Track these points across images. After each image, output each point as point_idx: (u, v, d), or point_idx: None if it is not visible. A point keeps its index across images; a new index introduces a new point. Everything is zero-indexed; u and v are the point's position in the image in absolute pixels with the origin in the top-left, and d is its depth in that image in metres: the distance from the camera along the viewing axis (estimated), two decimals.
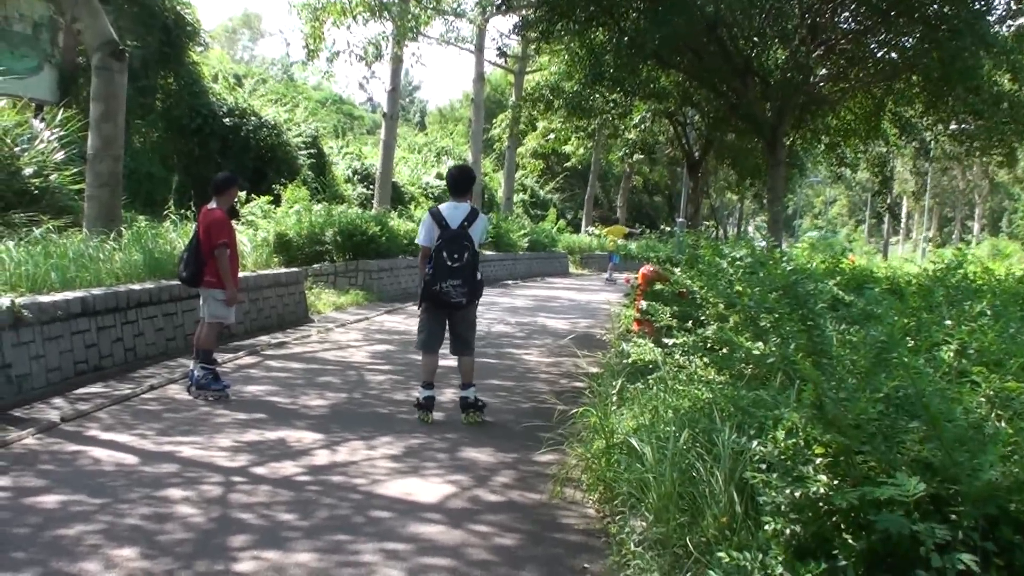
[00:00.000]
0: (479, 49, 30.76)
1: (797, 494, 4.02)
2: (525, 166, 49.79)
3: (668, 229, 57.74)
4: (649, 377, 7.60)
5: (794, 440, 4.17)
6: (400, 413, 8.81)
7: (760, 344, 5.22)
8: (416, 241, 8.92)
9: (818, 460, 4.03)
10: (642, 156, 20.51)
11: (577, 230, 46.26)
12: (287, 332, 13.70)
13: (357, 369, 11.11)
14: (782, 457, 4.26)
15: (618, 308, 20.62)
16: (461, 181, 8.77)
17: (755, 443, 4.55)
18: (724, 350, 7.06)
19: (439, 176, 38.40)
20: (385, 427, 8.18)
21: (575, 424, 7.88)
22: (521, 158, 45.76)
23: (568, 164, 49.22)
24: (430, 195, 35.02)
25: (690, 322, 8.07)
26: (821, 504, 3.96)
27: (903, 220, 64.32)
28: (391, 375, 10.84)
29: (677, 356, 7.55)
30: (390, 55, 21.86)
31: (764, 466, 4.55)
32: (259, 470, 6.66)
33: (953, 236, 64.18)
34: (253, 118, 25.82)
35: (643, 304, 8.27)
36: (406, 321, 16.20)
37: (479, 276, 8.56)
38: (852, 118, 14.91)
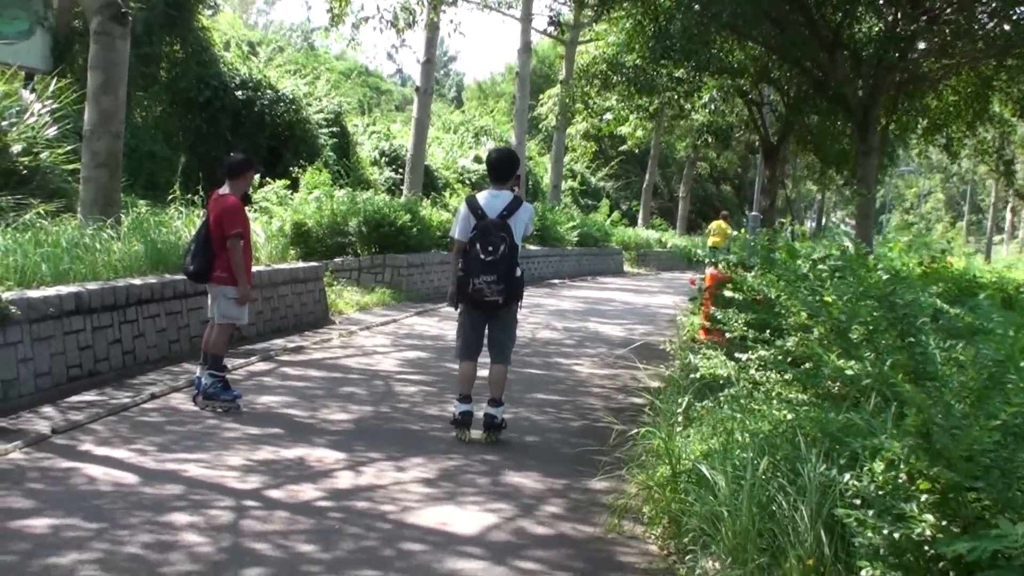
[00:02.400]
0: (526, 17, 30.70)
1: (897, 535, 3.95)
2: (575, 149, 49.68)
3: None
4: (720, 394, 7.52)
5: (894, 473, 4.10)
6: (433, 430, 8.79)
7: (852, 362, 5.11)
8: (450, 234, 8.88)
9: (923, 497, 3.94)
10: (712, 140, 20.25)
11: (633, 223, 46.04)
12: (305, 335, 13.73)
13: (384, 379, 11.11)
14: (880, 492, 4.18)
15: (680, 314, 20.55)
16: (502, 165, 8.72)
17: (847, 475, 4.48)
18: (808, 366, 6.97)
19: (477, 159, 38.36)
20: (416, 446, 8.16)
21: (634, 447, 7.83)
22: (571, 140, 45.68)
23: (623, 148, 48.93)
24: (467, 181, 35.00)
25: (767, 332, 7.99)
26: (927, 548, 3.88)
27: (1008, 218, 63.53)
28: (423, 386, 10.83)
29: (752, 371, 7.47)
30: (425, 22, 21.80)
31: (858, 502, 4.48)
32: (274, 493, 6.65)
33: None
34: (269, 91, 25.93)
35: (713, 311, 8.18)
36: (439, 324, 16.19)
37: (519, 272, 8.48)
38: (956, 99, 14.70)
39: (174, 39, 25.65)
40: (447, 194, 28.48)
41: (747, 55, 14.47)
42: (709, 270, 13.42)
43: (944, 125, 15.21)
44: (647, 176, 46.99)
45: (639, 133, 42.84)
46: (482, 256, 8.26)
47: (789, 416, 5.60)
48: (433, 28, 22.89)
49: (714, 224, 30.67)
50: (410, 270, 19.88)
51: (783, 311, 7.77)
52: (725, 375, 7.49)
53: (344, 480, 7.08)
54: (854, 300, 5.54)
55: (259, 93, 25.79)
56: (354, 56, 63.67)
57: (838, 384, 6.15)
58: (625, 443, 8.14)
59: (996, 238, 76.76)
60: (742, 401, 7.16)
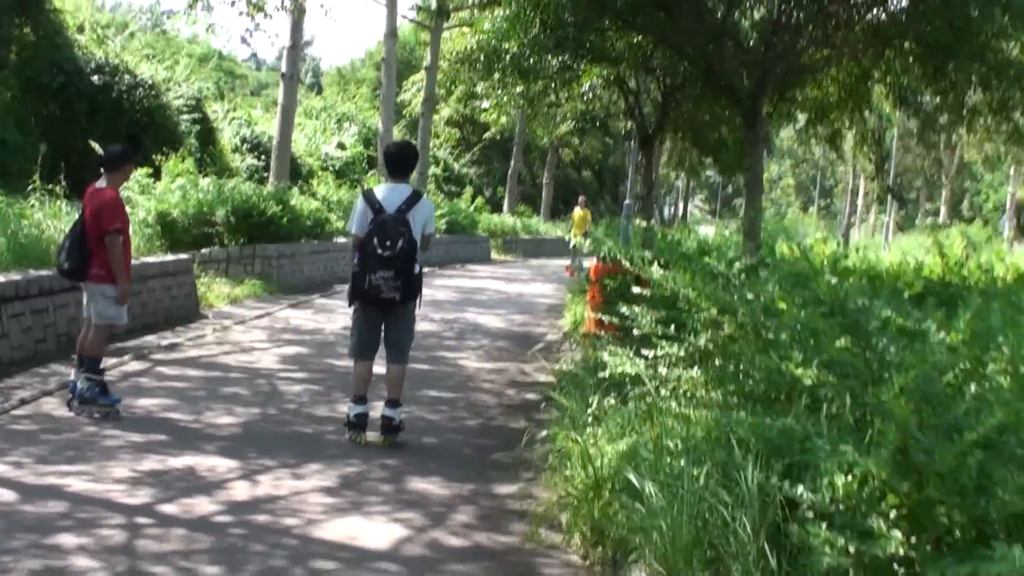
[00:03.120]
0: (392, 2, 30.16)
1: (863, 553, 3.77)
2: (438, 135, 49.32)
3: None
4: (628, 393, 7.32)
5: (857, 487, 3.91)
6: (327, 433, 8.42)
7: (811, 370, 4.92)
8: (347, 228, 8.50)
9: (892, 513, 3.76)
10: (588, 128, 20.11)
11: (497, 209, 45.88)
12: (177, 331, 13.15)
13: (267, 377, 10.67)
14: (842, 507, 4.00)
15: (557, 301, 20.46)
16: (401, 159, 8.44)
17: (800, 488, 4.29)
18: (719, 363, 6.81)
19: (340, 146, 37.81)
20: (312, 451, 7.77)
21: (536, 447, 7.60)
22: (434, 127, 45.32)
23: (487, 135, 48.74)
24: (331, 168, 34.36)
25: (671, 327, 7.82)
26: (897, 567, 3.70)
27: (860, 202, 65.20)
28: (308, 384, 10.43)
29: (661, 369, 7.29)
30: (291, 3, 21.20)
31: (810, 515, 4.30)
32: (168, 508, 6.21)
33: (917, 219, 65.33)
34: (127, 76, 24.93)
35: (621, 307, 7.96)
36: (315, 317, 15.75)
37: (418, 269, 8.19)
38: (836, 89, 14.82)
39: (24, 21, 24.51)
40: (314, 182, 27.94)
41: (627, 43, 14.33)
42: (592, 261, 13.29)
43: (825, 116, 15.32)
44: (512, 163, 46.89)
45: (502, 120, 42.67)
46: (379, 251, 7.91)
47: (719, 420, 5.40)
48: (300, 11, 22.27)
49: (577, 213, 30.67)
50: (281, 261, 19.35)
51: (690, 308, 7.61)
52: (633, 373, 7.28)
53: (240, 491, 6.67)
54: (809, 311, 5.33)
55: (116, 78, 24.77)
56: (207, 40, 62.01)
57: (764, 386, 5.98)
58: (524, 442, 7.95)
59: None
60: (651, 400, 7.00)
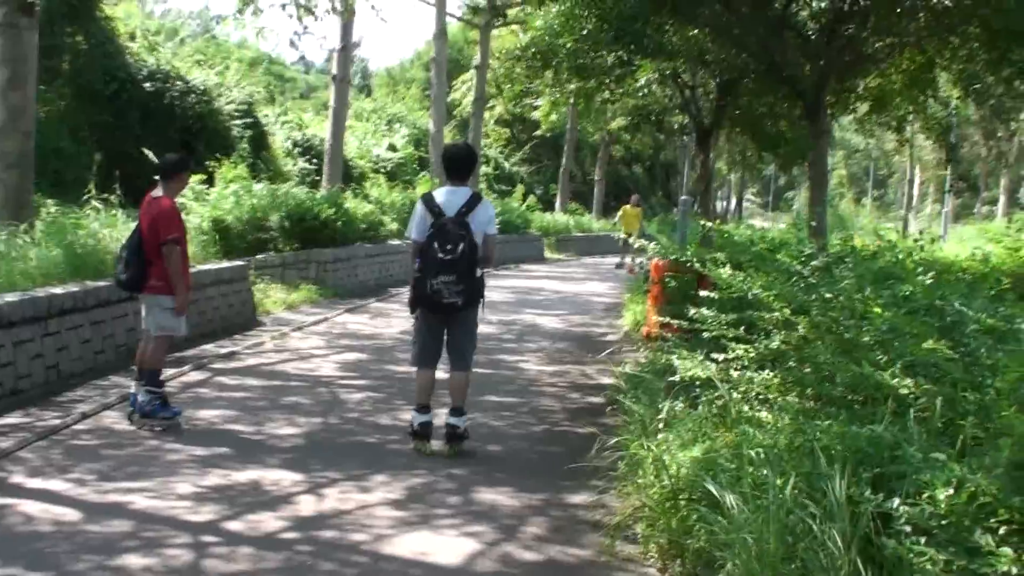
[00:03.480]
0: (441, 2, 30.05)
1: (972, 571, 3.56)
2: (488, 135, 49.18)
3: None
4: (700, 398, 7.11)
5: (963, 502, 3.69)
6: (390, 443, 8.27)
7: (908, 380, 4.70)
8: (406, 235, 8.33)
9: (1002, 529, 3.55)
10: (644, 124, 19.86)
11: (549, 208, 45.66)
12: (235, 339, 13.07)
13: (327, 385, 10.55)
14: (944, 522, 3.79)
15: (613, 300, 20.24)
16: (460, 161, 8.26)
17: (896, 502, 4.07)
18: (799, 366, 6.58)
19: (392, 148, 37.75)
20: (376, 462, 7.63)
21: (606, 454, 7.40)
22: (484, 126, 45.17)
23: (537, 133, 48.51)
24: (382, 170, 34.32)
25: (741, 328, 7.60)
26: None
27: (915, 191, 64.32)
28: (369, 392, 10.29)
29: (733, 372, 7.08)
30: (341, 5, 21.09)
31: (908, 529, 4.09)
32: (233, 525, 6.09)
33: (975, 210, 64.23)
34: (179, 82, 25.04)
35: (690, 309, 7.76)
36: (372, 322, 15.65)
37: (480, 273, 8.03)
38: (900, 77, 14.50)
39: (76, 29, 24.64)
40: (367, 185, 27.87)
41: (682, 37, 14.09)
42: (655, 259, 13.05)
43: (889, 103, 14.99)
44: (564, 160, 46.59)
45: (553, 117, 42.45)
46: (440, 255, 7.75)
47: (802, 428, 5.17)
48: (350, 12, 22.15)
49: (628, 209, 30.40)
50: (336, 265, 19.26)
51: (761, 309, 7.38)
52: (704, 377, 7.07)
53: (306, 506, 6.54)
54: (899, 314, 5.10)
55: (168, 84, 24.88)
56: (256, 44, 62.39)
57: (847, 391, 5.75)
58: (594, 449, 7.77)
59: (899, 213, 77.75)
60: (723, 404, 6.79)
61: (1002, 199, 54.21)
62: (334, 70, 24.59)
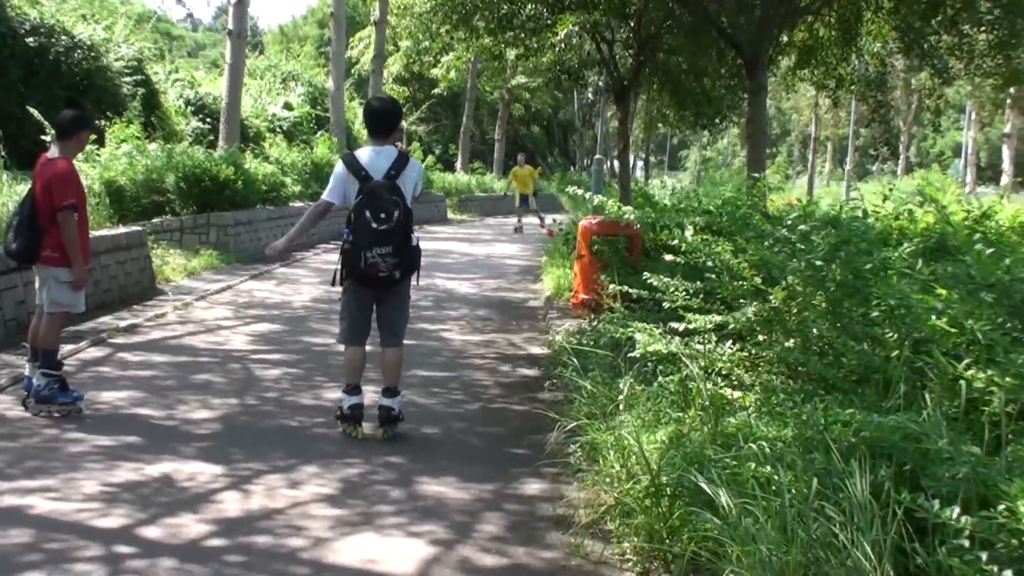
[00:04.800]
0: None
1: None
2: (393, 96, 48.14)
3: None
4: (656, 374, 6.54)
5: None
6: (316, 426, 7.55)
7: (979, 372, 4.10)
8: (323, 196, 7.56)
9: None
10: (567, 82, 19.09)
11: (448, 168, 44.89)
12: (134, 310, 12.16)
13: (240, 361, 9.75)
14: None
15: (527, 263, 19.65)
16: (385, 117, 7.49)
17: (956, 511, 3.50)
18: (791, 344, 6.00)
19: (287, 106, 36.52)
20: (303, 450, 6.90)
21: (552, 435, 6.79)
22: (383, 84, 44.14)
23: (435, 91, 47.61)
24: (279, 129, 33.15)
25: (697, 297, 7.03)
26: None
27: (811, 153, 64.73)
28: (286, 368, 9.52)
29: (697, 346, 6.50)
30: None
31: (967, 543, 3.53)
32: (150, 531, 5.32)
33: (875, 167, 64.98)
34: (64, 38, 23.59)
35: (647, 276, 7.14)
36: (279, 289, 14.82)
37: (415, 241, 7.34)
38: (827, 32, 14.04)
39: None
40: (265, 144, 26.84)
41: None
42: (583, 222, 12.46)
43: (816, 56, 14.53)
44: (464, 119, 45.79)
45: (452, 75, 41.57)
46: (374, 225, 7.02)
47: (810, 415, 4.58)
48: None
49: (517, 171, 30.29)
50: (237, 228, 18.33)
51: (725, 276, 6.80)
52: (666, 352, 6.48)
53: (231, 505, 5.78)
54: (965, 290, 4.49)
55: (53, 40, 23.41)
56: (140, 1, 60.14)
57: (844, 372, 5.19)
58: (535, 429, 7.20)
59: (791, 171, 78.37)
60: (686, 383, 6.22)
61: (901, 156, 54.76)
62: (230, 25, 23.44)
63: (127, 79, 25.49)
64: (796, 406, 4.83)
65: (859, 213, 6.56)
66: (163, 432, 7.20)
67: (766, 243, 6.19)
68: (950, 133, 73.68)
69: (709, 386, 5.97)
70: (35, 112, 16.17)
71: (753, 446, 4.60)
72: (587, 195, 8.98)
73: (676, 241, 7.09)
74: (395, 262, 7.05)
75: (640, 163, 70.75)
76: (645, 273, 7.25)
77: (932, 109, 17.50)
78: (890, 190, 8.24)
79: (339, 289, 7.49)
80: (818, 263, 5.51)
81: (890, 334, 4.88)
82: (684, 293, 6.83)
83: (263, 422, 7.62)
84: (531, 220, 30.07)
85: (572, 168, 63.72)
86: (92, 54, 24.04)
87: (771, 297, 6.18)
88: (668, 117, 17.93)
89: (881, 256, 5.45)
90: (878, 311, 5.07)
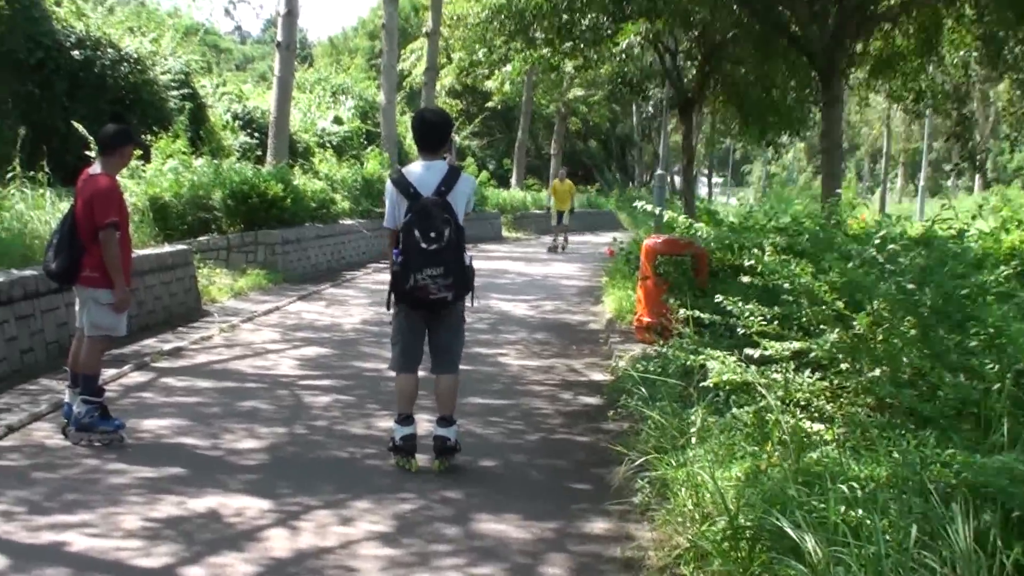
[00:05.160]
0: None
1: None
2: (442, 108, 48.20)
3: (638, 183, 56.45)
4: (730, 404, 6.30)
5: None
6: (368, 457, 7.40)
7: None
8: (384, 223, 7.43)
9: None
10: (629, 95, 18.87)
11: (503, 184, 44.85)
12: (179, 332, 12.11)
13: (288, 386, 9.63)
14: None
15: (586, 283, 19.47)
16: (435, 130, 7.35)
17: None
18: (877, 373, 5.76)
19: (337, 120, 36.63)
20: (355, 483, 6.75)
21: (618, 468, 6.60)
22: (436, 97, 44.24)
23: (489, 104, 47.62)
24: (328, 144, 33.23)
25: (774, 323, 6.80)
26: None
27: (883, 166, 64.03)
28: (336, 395, 9.39)
29: (775, 375, 6.28)
30: None
31: None
32: (193, 572, 5.18)
33: (950, 183, 64.00)
34: (110, 50, 23.75)
35: (719, 299, 6.92)
36: (328, 310, 14.75)
37: (468, 261, 7.18)
38: (904, 42, 13.76)
39: None
40: (315, 160, 26.88)
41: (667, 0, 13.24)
42: (647, 240, 12.26)
43: (895, 66, 14.25)
44: (519, 133, 45.73)
45: (507, 88, 41.56)
46: (423, 245, 6.86)
47: (906, 455, 4.35)
48: None
49: (557, 185, 30.04)
50: (285, 247, 18.30)
51: (804, 300, 6.58)
52: (740, 381, 6.26)
53: (279, 543, 5.63)
54: None
55: (99, 52, 23.59)
56: (188, 13, 60.76)
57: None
58: (599, 462, 7.01)
59: (857, 186, 77.44)
60: (763, 414, 6.00)
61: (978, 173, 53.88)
62: (279, 36, 23.52)
63: (174, 93, 25.64)
64: (890, 442, 4.59)
65: (953, 232, 6.31)
66: (208, 463, 7.08)
67: (851, 264, 5.94)
68: None
69: (788, 418, 5.77)
70: (80, 127, 16.22)
71: (843, 487, 4.37)
72: (657, 210, 8.77)
73: (750, 262, 6.89)
74: (447, 283, 6.89)
75: (703, 179, 70.24)
76: (717, 296, 7.00)
77: (1011, 124, 17.08)
78: (980, 208, 7.99)
79: (392, 312, 7.34)
80: (910, 287, 5.27)
81: (990, 365, 4.65)
82: (760, 318, 6.59)
83: (312, 453, 7.48)
84: (570, 238, 30.17)
85: (631, 184, 63.47)
86: (138, 67, 24.19)
87: (855, 323, 5.96)
88: (733, 130, 17.70)
89: (979, 280, 5.22)
90: (977, 340, 4.83)
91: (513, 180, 45.19)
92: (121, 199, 7.58)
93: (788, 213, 11.83)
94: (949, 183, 64.14)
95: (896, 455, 4.44)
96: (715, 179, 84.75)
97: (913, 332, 5.63)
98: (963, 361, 5.00)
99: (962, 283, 5.30)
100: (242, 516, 6.03)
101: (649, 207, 9.97)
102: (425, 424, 7.57)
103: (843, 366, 6.20)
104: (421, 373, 7.39)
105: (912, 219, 8.07)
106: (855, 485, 4.37)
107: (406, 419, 7.16)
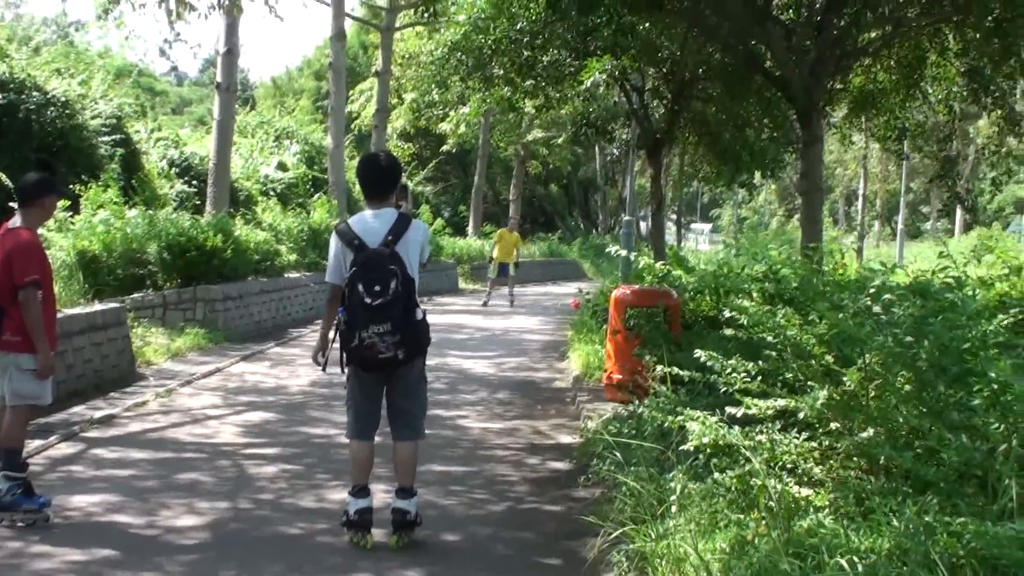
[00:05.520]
0: (339, 1, 29.04)
1: None
2: (390, 150, 48.21)
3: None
4: (725, 473, 6.18)
5: None
6: (319, 533, 7.22)
7: None
8: (327, 278, 7.33)
9: None
10: (592, 134, 18.74)
11: (459, 232, 44.79)
12: (111, 398, 11.88)
13: (230, 456, 9.43)
14: None
15: (549, 338, 19.37)
16: (381, 174, 7.27)
17: None
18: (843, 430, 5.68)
19: (281, 166, 36.50)
20: (305, 563, 6.57)
21: (590, 539, 6.48)
22: (387, 140, 44.25)
23: (444, 148, 47.62)
24: (271, 192, 33.06)
25: (757, 379, 6.71)
26: None
27: (859, 209, 64.50)
28: (283, 464, 9.20)
29: (759, 436, 6.18)
30: (224, 3, 19.93)
31: None
32: None
33: (928, 225, 64.65)
34: (36, 93, 23.60)
35: (700, 354, 6.82)
36: (273, 371, 14.54)
37: (420, 314, 7.04)
38: (886, 77, 13.83)
39: None
40: (258, 209, 26.71)
41: (634, 31, 13.26)
42: (616, 292, 12.19)
43: (872, 104, 14.32)
44: (476, 178, 45.73)
45: (463, 130, 41.63)
46: (367, 299, 6.70)
47: (912, 526, 4.25)
48: (238, 10, 20.98)
49: (505, 233, 28.98)
50: (226, 304, 18.08)
51: (786, 354, 6.49)
52: (723, 444, 6.16)
53: None
54: None
55: (23, 96, 23.39)
56: (121, 53, 60.58)
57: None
58: (571, 534, 6.88)
59: (835, 231, 77.88)
60: (747, 479, 5.89)
61: (959, 213, 54.46)
62: (218, 77, 23.42)
63: (105, 139, 25.44)
64: (889, 509, 4.48)
65: (951, 280, 6.24)
66: (143, 544, 6.88)
67: (842, 315, 5.85)
68: (1010, 188, 73.46)
69: (775, 483, 5.66)
70: (2, 176, 16.02)
71: (841, 560, 4.25)
72: (633, 255, 8.70)
73: (732, 313, 6.81)
74: (395, 340, 6.73)
75: (671, 224, 70.46)
76: (697, 351, 6.90)
77: (993, 163, 17.16)
78: (974, 252, 7.96)
79: (343, 374, 7.20)
80: (907, 339, 5.19)
81: (994, 424, 4.56)
82: (744, 374, 6.50)
83: (258, 530, 7.29)
84: (500, 300, 28.66)
85: (595, 231, 63.59)
86: (66, 111, 23.98)
87: (845, 379, 5.88)
88: (704, 172, 17.74)
89: (980, 331, 5.15)
90: (980, 397, 4.75)
91: (470, 228, 45.14)
92: (43, 254, 7.39)
93: (764, 260, 11.80)
94: (928, 226, 64.81)
95: (896, 523, 4.32)
96: (701, 224, 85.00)
97: (908, 388, 5.55)
98: (964, 420, 4.91)
99: (961, 334, 5.21)
100: None
101: (623, 252, 9.92)
102: (381, 495, 7.42)
103: (833, 426, 6.11)
104: (379, 439, 7.25)
105: (895, 266, 7.99)
106: (854, 559, 4.25)
107: (361, 491, 7.01)
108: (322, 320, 7.50)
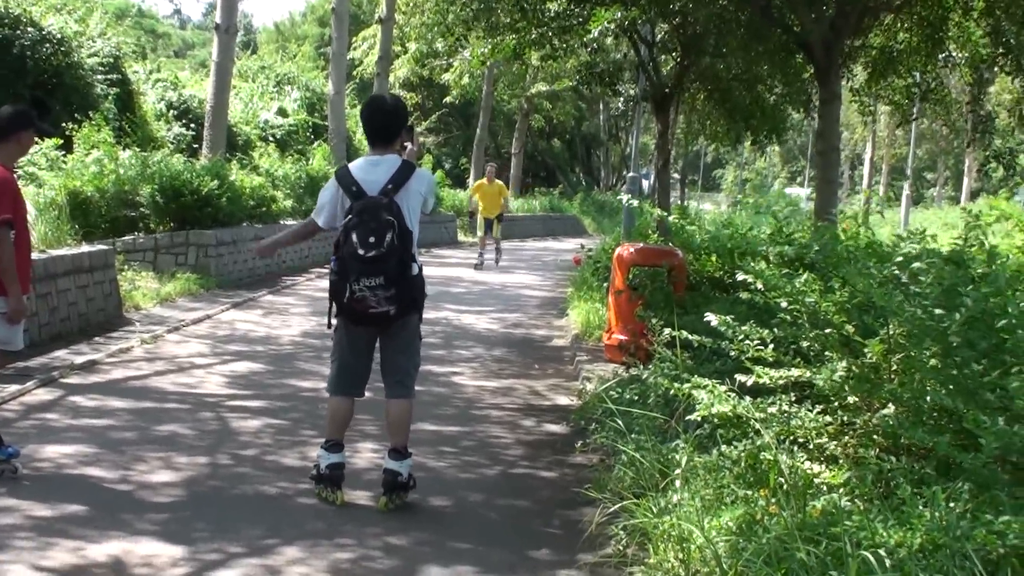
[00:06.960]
0: None
1: None
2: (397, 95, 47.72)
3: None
4: (733, 446, 5.79)
5: None
6: (301, 494, 6.82)
7: None
8: (312, 215, 6.96)
9: None
10: (598, 87, 18.02)
11: (460, 184, 44.39)
12: (95, 343, 11.50)
13: (214, 408, 9.06)
14: None
15: (548, 294, 19.01)
16: (386, 118, 6.84)
17: None
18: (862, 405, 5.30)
19: (281, 112, 36.02)
20: (285, 525, 6.19)
21: (586, 509, 6.12)
22: (390, 89, 43.72)
23: (447, 99, 47.06)
24: (271, 137, 32.61)
25: (770, 347, 6.32)
26: None
27: (865, 172, 63.99)
28: (268, 418, 8.82)
29: (771, 408, 5.80)
30: None
31: None
32: None
33: (934, 191, 64.18)
34: (31, 29, 23.14)
35: (709, 317, 6.42)
36: (265, 320, 14.18)
37: (416, 269, 6.65)
38: (906, 37, 13.38)
39: None
40: (255, 154, 26.27)
41: None
42: (619, 249, 11.80)
43: (893, 65, 13.84)
44: (478, 131, 45.17)
45: (466, 81, 41.10)
46: (360, 251, 6.28)
47: (947, 519, 3.86)
48: None
49: (484, 185, 26.10)
50: (219, 249, 17.69)
51: (805, 322, 6.10)
52: (733, 416, 5.78)
53: None
54: None
55: (18, 31, 22.95)
56: None
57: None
58: (567, 503, 6.53)
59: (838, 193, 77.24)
60: (756, 454, 5.51)
61: (966, 181, 53.96)
62: (218, 18, 22.91)
63: (101, 77, 25.02)
64: (921, 496, 4.10)
65: (984, 248, 5.83)
66: (114, 500, 6.50)
67: (871, 283, 5.44)
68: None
69: (786, 458, 5.29)
70: None
71: (866, 553, 3.86)
72: (656, 211, 8.28)
73: (745, 276, 6.42)
74: (387, 295, 6.33)
75: (684, 182, 69.90)
76: (707, 315, 6.50)
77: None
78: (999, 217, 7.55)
79: (330, 328, 6.82)
80: (937, 311, 4.79)
81: None
82: (757, 342, 6.11)
83: (237, 488, 6.91)
84: (490, 256, 25.90)
85: (596, 187, 63.10)
86: (62, 48, 23.58)
87: (866, 350, 5.49)
88: (712, 129, 17.28)
89: (1018, 304, 4.75)
90: (1018, 378, 4.35)
91: (471, 180, 44.60)
92: (16, 192, 6.94)
93: (769, 223, 11.42)
94: (933, 192, 64.36)
95: (927, 514, 3.93)
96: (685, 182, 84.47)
97: (934, 363, 5.16)
98: (998, 400, 4.52)
99: (996, 305, 4.81)
100: (150, 566, 5.45)
101: (635, 202, 9.53)
102: (369, 455, 7.06)
103: (851, 400, 5.72)
104: (369, 394, 6.88)
105: (924, 232, 7.55)
106: (881, 554, 3.86)
107: (334, 445, 6.66)
108: (290, 231, 7.61)
